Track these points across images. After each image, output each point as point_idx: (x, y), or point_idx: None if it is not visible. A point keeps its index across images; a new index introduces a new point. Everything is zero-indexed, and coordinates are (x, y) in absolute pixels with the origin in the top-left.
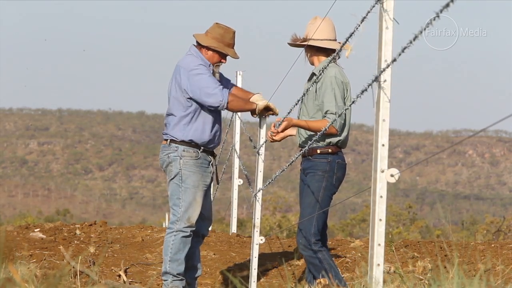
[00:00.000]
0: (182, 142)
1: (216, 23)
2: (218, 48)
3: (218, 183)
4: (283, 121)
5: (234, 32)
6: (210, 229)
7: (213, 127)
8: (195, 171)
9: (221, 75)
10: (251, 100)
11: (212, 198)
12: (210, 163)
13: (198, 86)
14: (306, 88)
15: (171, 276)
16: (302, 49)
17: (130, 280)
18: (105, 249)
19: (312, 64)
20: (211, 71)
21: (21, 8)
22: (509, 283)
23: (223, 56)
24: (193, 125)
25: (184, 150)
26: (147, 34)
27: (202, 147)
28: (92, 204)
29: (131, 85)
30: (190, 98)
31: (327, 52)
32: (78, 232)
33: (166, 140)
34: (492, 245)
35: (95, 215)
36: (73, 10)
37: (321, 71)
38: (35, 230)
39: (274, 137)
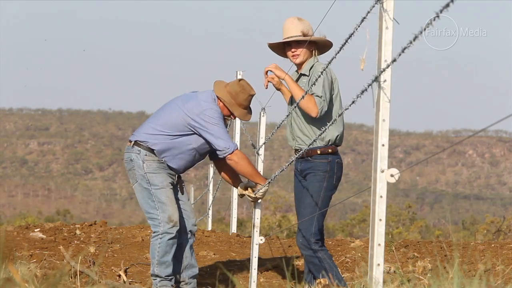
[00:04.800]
0: (147, 148)
1: (240, 79)
2: (227, 103)
3: (182, 193)
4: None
5: (250, 95)
6: (196, 224)
7: (183, 162)
8: (161, 172)
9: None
10: (264, 182)
11: (210, 199)
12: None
13: (213, 131)
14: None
15: (159, 277)
16: (303, 49)
17: (130, 280)
18: (105, 249)
19: (302, 62)
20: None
21: (21, 8)
22: (509, 283)
23: (231, 112)
24: (167, 149)
25: (146, 154)
26: (147, 34)
27: None
28: (92, 204)
29: (131, 85)
30: (186, 130)
31: (312, 52)
32: (78, 232)
33: (131, 141)
34: (492, 245)
35: (95, 215)
36: (73, 10)
37: (319, 73)
38: (35, 230)
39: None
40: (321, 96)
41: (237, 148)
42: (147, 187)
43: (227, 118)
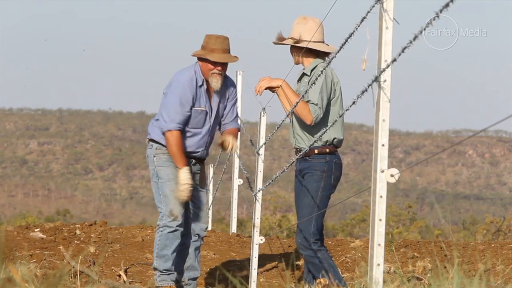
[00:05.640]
0: (157, 141)
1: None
2: (201, 54)
3: (203, 188)
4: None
5: (217, 37)
6: (206, 229)
7: (188, 143)
8: (169, 165)
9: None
10: (182, 167)
11: (210, 199)
12: (193, 164)
13: (162, 106)
14: (296, 90)
15: (158, 271)
16: (293, 51)
17: (130, 280)
18: (105, 249)
19: (298, 63)
20: (203, 89)
21: (21, 8)
22: (509, 283)
23: (212, 63)
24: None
25: (157, 148)
26: (147, 34)
27: None
28: (92, 204)
29: (131, 85)
30: None
31: (317, 53)
32: (78, 232)
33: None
34: (492, 245)
35: (95, 215)
36: (73, 10)
37: (319, 73)
38: (35, 230)
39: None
40: (317, 103)
41: (173, 129)
42: (156, 181)
43: (215, 74)
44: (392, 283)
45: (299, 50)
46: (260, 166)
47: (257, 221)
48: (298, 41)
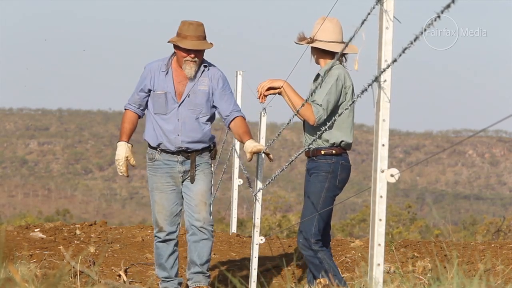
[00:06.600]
0: (148, 144)
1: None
2: (173, 41)
3: (192, 182)
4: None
5: (192, 24)
6: (204, 219)
7: (163, 130)
8: (153, 173)
9: (222, 88)
10: (118, 141)
11: (213, 197)
12: (180, 162)
13: None
14: (311, 89)
15: (159, 279)
16: (305, 48)
17: (130, 280)
18: (105, 249)
19: (318, 64)
20: (164, 74)
21: (21, 8)
22: (509, 283)
23: (185, 50)
24: (147, 126)
25: (148, 152)
26: (147, 34)
27: (159, 149)
28: (92, 204)
29: (131, 85)
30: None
31: (333, 54)
32: (78, 232)
33: None
34: (492, 245)
35: (95, 215)
36: (73, 10)
37: (325, 73)
38: (35, 230)
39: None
40: (321, 104)
41: (125, 107)
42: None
43: (188, 61)
44: (392, 283)
45: (315, 51)
46: (261, 166)
47: (257, 221)
48: (311, 41)
